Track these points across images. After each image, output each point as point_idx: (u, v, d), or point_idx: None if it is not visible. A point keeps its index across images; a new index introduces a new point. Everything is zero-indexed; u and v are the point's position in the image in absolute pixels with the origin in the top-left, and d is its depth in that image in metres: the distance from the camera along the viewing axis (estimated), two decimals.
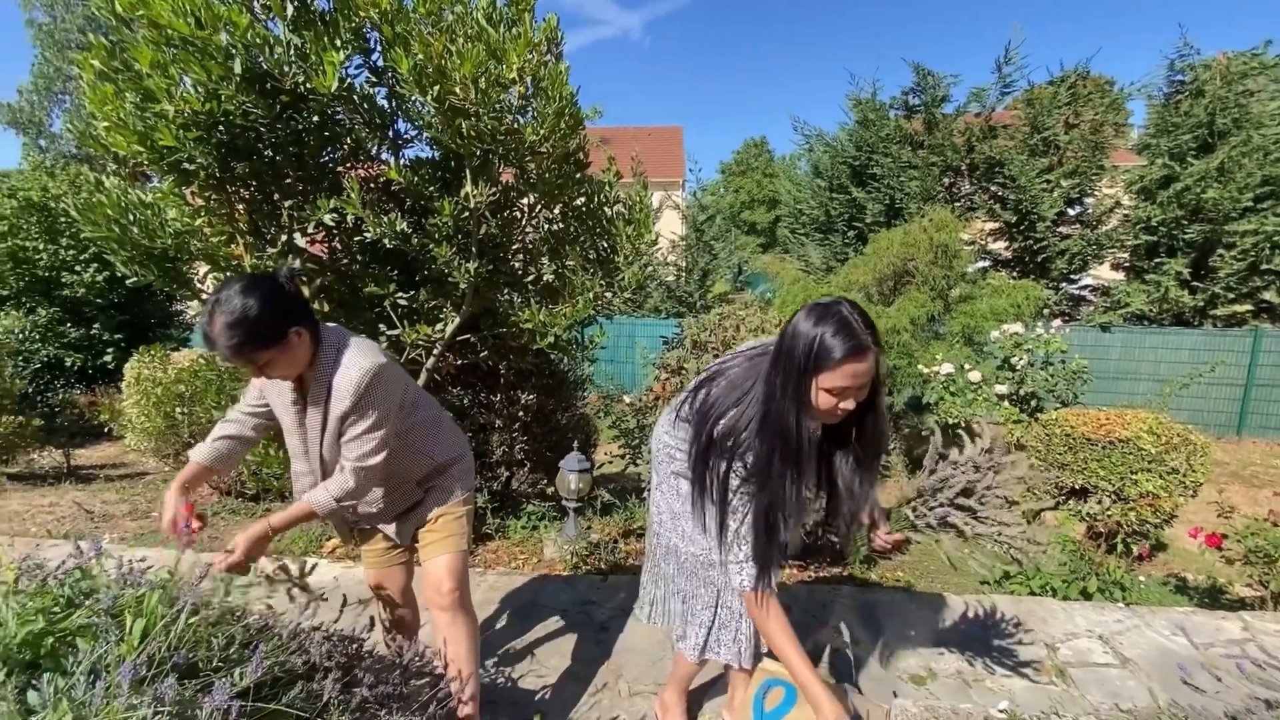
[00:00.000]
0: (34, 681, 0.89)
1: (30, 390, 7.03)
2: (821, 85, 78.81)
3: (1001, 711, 2.12)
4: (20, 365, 6.98)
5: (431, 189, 2.68)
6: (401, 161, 2.91)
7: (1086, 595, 3.12)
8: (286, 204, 2.72)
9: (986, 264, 10.28)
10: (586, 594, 2.91)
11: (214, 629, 1.11)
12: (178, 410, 4.74)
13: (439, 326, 2.96)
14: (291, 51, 2.38)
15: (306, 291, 2.81)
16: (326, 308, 2.96)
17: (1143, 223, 9.38)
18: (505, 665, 2.35)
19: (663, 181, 19.85)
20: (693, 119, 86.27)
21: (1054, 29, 73.51)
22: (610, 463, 4.83)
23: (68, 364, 7.41)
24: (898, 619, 2.73)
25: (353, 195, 2.49)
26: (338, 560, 3.29)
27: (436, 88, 2.38)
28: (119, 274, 3.05)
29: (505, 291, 3.08)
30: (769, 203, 35.30)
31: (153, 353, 5.31)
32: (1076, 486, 3.81)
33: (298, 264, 2.82)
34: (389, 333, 2.92)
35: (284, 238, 2.74)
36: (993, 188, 10.09)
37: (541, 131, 2.62)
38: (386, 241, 2.64)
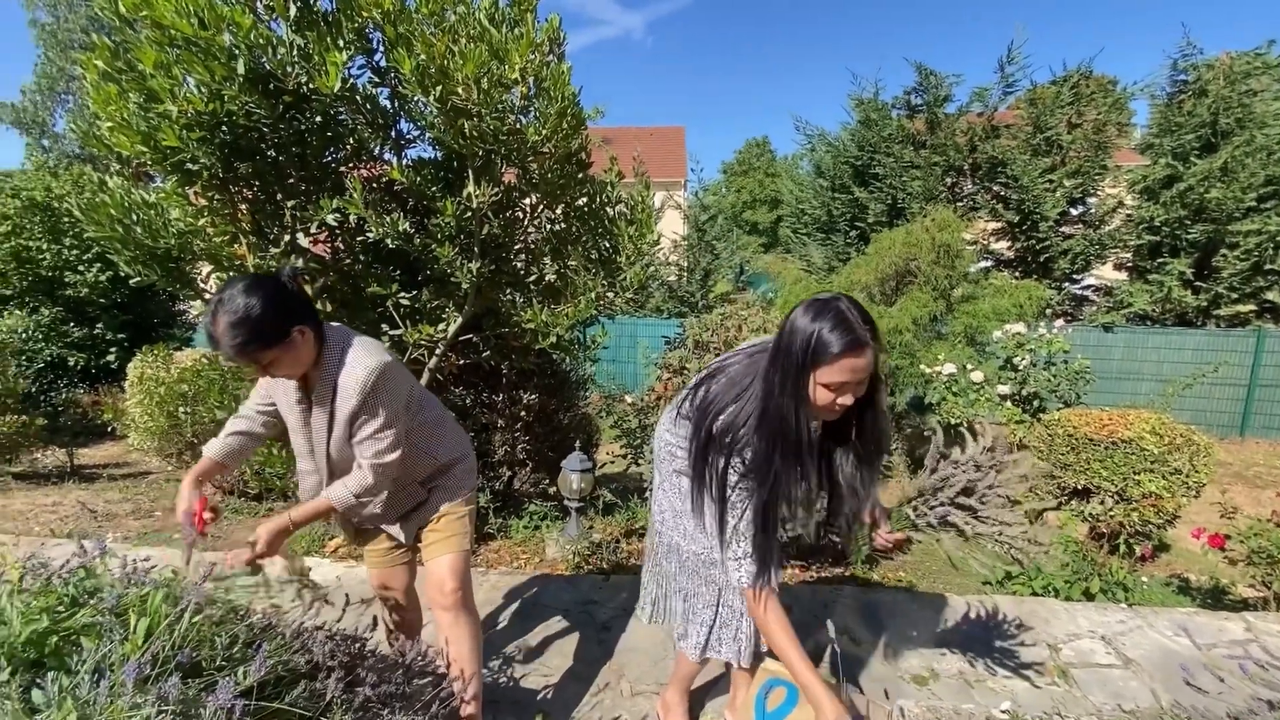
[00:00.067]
0: (38, 680, 0.89)
1: (34, 390, 7.08)
2: (824, 85, 78.68)
3: (1004, 712, 2.12)
4: (24, 365, 7.00)
5: (434, 189, 2.68)
6: (404, 162, 2.91)
7: (1089, 596, 3.12)
8: (289, 204, 2.72)
9: (989, 264, 10.26)
10: (588, 594, 2.92)
11: (217, 628, 1.11)
12: (180, 410, 4.76)
13: (441, 326, 2.97)
14: (294, 52, 2.38)
15: (309, 291, 2.81)
16: (329, 308, 2.97)
17: (1146, 223, 9.35)
18: (508, 665, 2.36)
19: (665, 181, 19.81)
20: (695, 119, 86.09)
21: (1056, 29, 73.43)
22: (612, 462, 4.84)
23: (71, 363, 7.42)
24: (900, 619, 2.73)
25: (355, 195, 2.50)
26: (340, 560, 3.30)
27: (439, 88, 2.38)
28: (122, 274, 3.05)
29: (507, 291, 3.08)
30: (771, 203, 35.27)
31: (156, 352, 5.33)
32: (1079, 487, 3.81)
33: (300, 264, 2.83)
34: (392, 333, 2.92)
35: (287, 238, 2.74)
36: (995, 187, 10.07)
37: (544, 132, 2.63)
38: (389, 241, 2.64)
